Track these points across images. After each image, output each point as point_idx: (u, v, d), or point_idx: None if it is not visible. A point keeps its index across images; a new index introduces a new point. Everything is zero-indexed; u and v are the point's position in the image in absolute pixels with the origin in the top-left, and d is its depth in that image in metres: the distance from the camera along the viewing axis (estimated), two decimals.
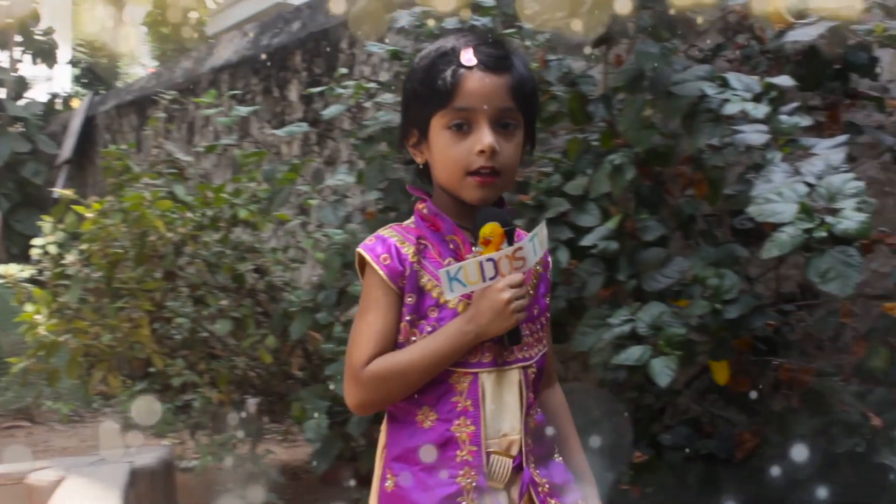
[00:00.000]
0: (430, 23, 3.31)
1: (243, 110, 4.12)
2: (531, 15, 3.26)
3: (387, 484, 1.76)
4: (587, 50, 3.42)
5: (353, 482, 4.21)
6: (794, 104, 2.71)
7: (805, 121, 2.60)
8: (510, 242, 1.70)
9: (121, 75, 16.44)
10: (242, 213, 4.39)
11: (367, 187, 3.50)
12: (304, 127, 3.80)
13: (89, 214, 4.42)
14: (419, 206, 1.81)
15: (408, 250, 1.75)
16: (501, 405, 1.73)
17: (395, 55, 3.55)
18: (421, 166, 1.82)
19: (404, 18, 3.44)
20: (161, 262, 4.39)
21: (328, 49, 6.25)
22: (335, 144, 6.02)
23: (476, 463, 1.70)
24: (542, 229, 1.74)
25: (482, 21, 3.30)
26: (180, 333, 4.44)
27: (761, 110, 2.55)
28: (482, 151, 1.68)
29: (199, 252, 4.46)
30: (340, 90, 3.67)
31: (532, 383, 1.78)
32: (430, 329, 1.73)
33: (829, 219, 2.22)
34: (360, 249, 1.79)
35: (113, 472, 3.50)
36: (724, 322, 2.75)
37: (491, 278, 1.68)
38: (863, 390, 2.99)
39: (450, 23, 3.36)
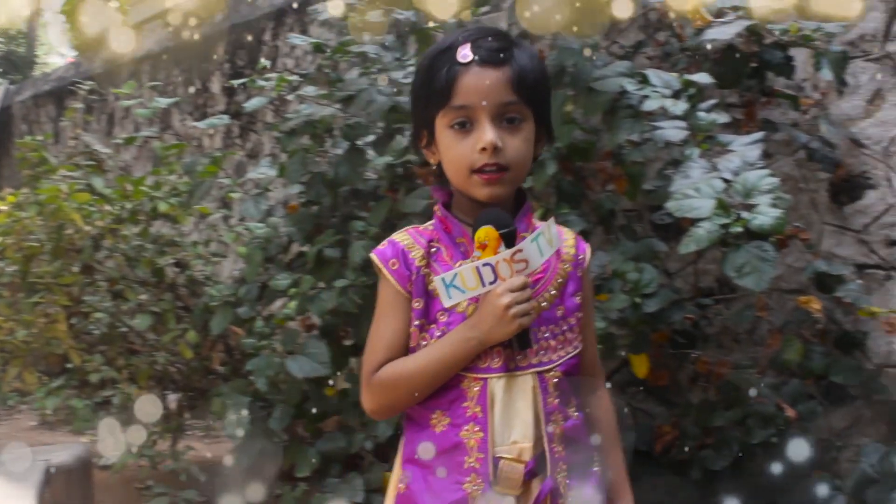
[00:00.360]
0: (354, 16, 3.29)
1: (163, 102, 4.06)
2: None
3: (400, 486, 1.75)
4: None
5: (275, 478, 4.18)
6: (712, 101, 2.75)
7: (722, 118, 2.64)
8: (510, 244, 1.63)
9: (38, 64, 16.07)
10: (162, 207, 4.32)
11: (288, 181, 3.46)
12: (226, 119, 3.76)
13: (4, 207, 4.32)
14: (435, 207, 1.78)
15: (415, 254, 1.72)
16: (512, 412, 1.68)
17: (318, 48, 3.52)
18: (435, 167, 1.78)
19: (327, 11, 3.41)
20: (78, 256, 4.30)
21: (251, 41, 6.19)
22: (258, 137, 5.97)
23: (483, 470, 1.65)
24: (550, 227, 1.68)
25: (405, 15, 3.29)
26: (98, 328, 4.35)
27: (680, 107, 2.59)
28: (484, 149, 1.64)
29: (118, 246, 4.39)
30: (262, 82, 3.62)
31: (555, 388, 1.72)
32: (439, 334, 1.70)
33: (744, 214, 2.25)
34: (372, 254, 1.77)
35: (28, 470, 3.42)
36: (643, 316, 2.78)
37: (491, 283, 1.63)
38: (778, 382, 3.06)
39: (373, 16, 3.35)
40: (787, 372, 3.14)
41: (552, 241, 1.67)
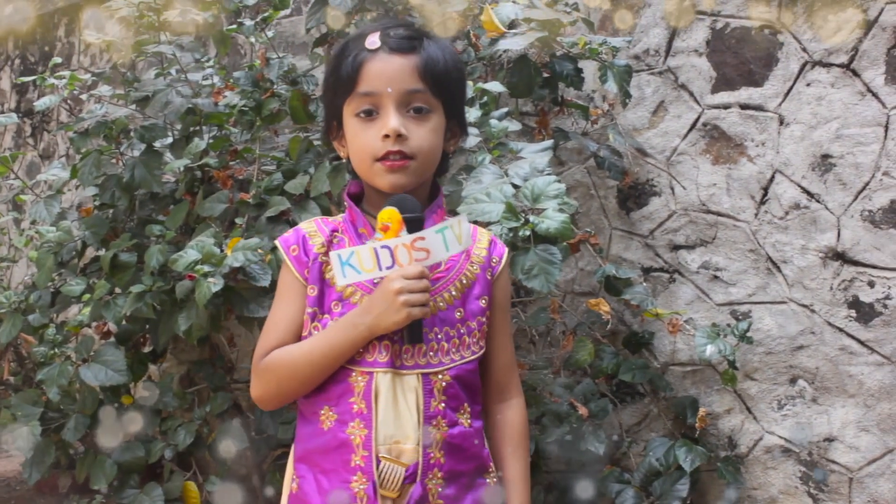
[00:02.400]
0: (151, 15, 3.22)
1: None
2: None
3: (293, 485, 1.71)
4: (310, 49, 3.43)
5: (70, 490, 4.04)
6: (505, 109, 2.82)
7: (514, 125, 2.71)
8: (414, 231, 1.59)
9: None
10: None
11: (82, 183, 3.35)
12: (15, 118, 3.60)
13: None
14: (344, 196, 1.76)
15: (316, 241, 1.71)
16: (395, 410, 1.64)
17: (113, 46, 3.43)
18: (345, 160, 1.75)
19: (124, 9, 3.32)
20: None
21: (43, 36, 5.94)
22: (51, 137, 5.74)
23: (368, 469, 1.62)
24: (461, 223, 1.62)
25: (204, 16, 3.24)
26: None
27: (473, 114, 2.64)
28: (387, 136, 1.61)
29: None
30: (54, 81, 3.49)
31: (442, 392, 1.67)
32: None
33: (532, 219, 2.30)
34: (277, 240, 1.75)
35: None
36: None
37: (388, 267, 1.58)
38: (571, 382, 3.16)
39: (170, 15, 3.28)
40: (579, 371, 3.26)
41: (461, 238, 1.62)
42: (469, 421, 1.71)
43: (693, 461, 2.95)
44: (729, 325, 2.98)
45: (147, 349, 3.63)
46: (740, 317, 3.09)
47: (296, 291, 1.70)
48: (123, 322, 3.35)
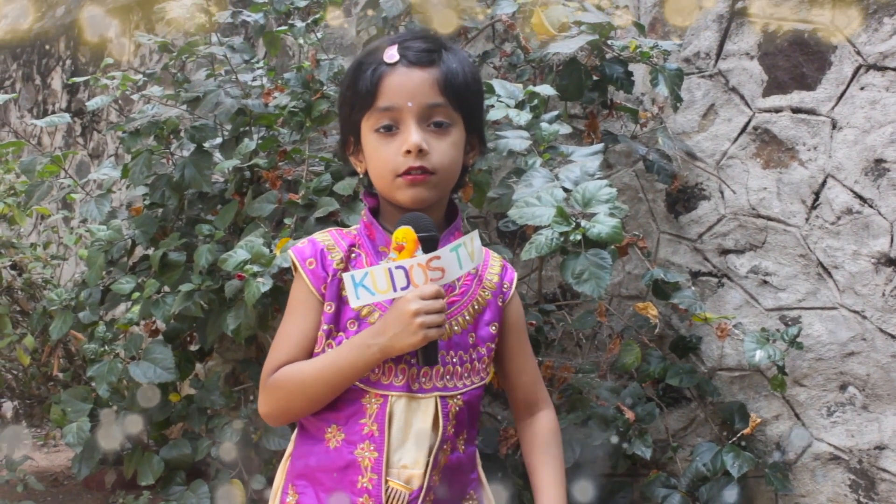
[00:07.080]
0: (202, 16, 3.25)
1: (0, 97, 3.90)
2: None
3: (288, 499, 1.68)
4: (359, 51, 3.44)
5: (116, 486, 4.08)
6: (555, 112, 2.81)
7: (564, 129, 2.70)
8: (429, 250, 1.54)
9: None
10: None
11: (132, 182, 3.39)
12: (66, 118, 3.64)
13: None
14: (363, 213, 1.71)
15: (334, 257, 1.66)
16: (409, 435, 1.61)
17: (165, 47, 3.46)
18: (362, 175, 1.70)
19: (175, 10, 3.35)
20: None
21: (94, 37, 6.01)
22: (101, 136, 5.80)
23: (375, 492, 1.59)
24: (473, 240, 1.58)
25: (254, 17, 3.26)
26: None
27: (523, 117, 2.63)
28: (408, 152, 1.57)
29: None
30: (106, 81, 3.53)
31: (456, 416, 1.65)
32: None
33: (583, 223, 2.29)
34: (290, 251, 1.70)
35: None
36: None
37: (403, 288, 1.53)
38: (617, 385, 3.15)
39: (222, 16, 3.31)
40: (626, 375, 3.24)
41: (474, 254, 1.58)
42: (464, 447, 1.70)
43: (741, 467, 2.93)
44: (778, 331, 2.95)
45: (194, 347, 3.66)
46: (790, 322, 3.06)
47: (310, 306, 1.66)
48: (171, 320, 3.38)
